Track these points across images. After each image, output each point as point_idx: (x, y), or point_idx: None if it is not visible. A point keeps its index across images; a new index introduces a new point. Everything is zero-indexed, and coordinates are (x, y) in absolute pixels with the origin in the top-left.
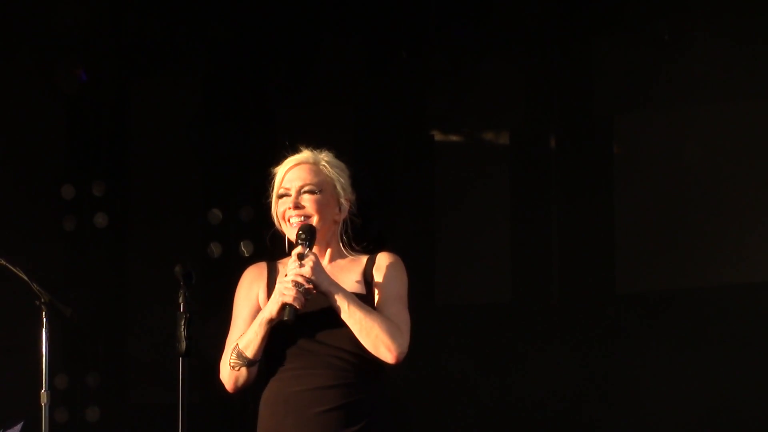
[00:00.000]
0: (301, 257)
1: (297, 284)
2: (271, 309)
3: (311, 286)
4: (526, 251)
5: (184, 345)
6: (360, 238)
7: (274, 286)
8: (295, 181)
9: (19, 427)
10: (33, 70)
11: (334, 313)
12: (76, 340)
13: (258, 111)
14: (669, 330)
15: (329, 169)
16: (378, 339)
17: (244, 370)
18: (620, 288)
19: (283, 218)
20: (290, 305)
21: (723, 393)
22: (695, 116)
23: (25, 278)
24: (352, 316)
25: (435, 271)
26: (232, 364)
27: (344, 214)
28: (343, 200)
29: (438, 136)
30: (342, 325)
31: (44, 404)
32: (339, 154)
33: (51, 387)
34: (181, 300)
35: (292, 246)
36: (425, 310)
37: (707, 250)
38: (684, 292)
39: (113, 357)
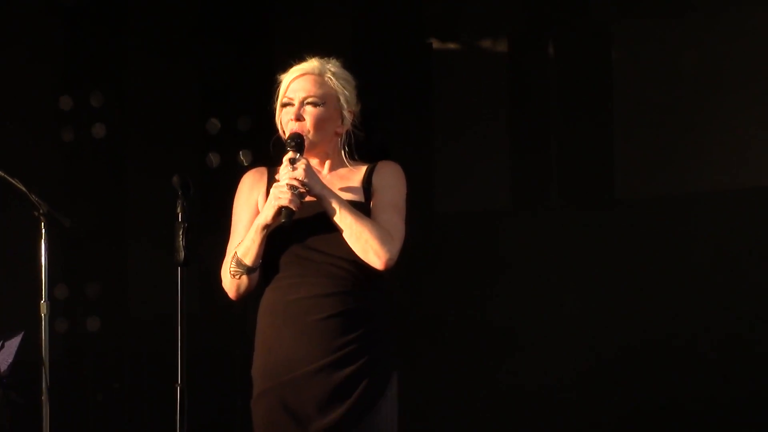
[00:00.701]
0: (292, 161)
1: (291, 187)
2: (266, 214)
3: (304, 189)
4: (524, 158)
5: (182, 254)
6: (363, 148)
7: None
8: (299, 92)
9: (18, 338)
10: None
11: (329, 220)
12: (75, 251)
13: (256, 21)
14: (667, 234)
15: (334, 81)
16: (367, 244)
17: (244, 277)
18: (619, 193)
19: (285, 127)
20: (286, 207)
21: (721, 296)
22: (694, 23)
23: (24, 189)
24: (342, 220)
25: (434, 179)
26: (232, 272)
27: (347, 126)
28: (346, 113)
29: (436, 45)
30: (338, 232)
31: (44, 315)
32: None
33: (51, 297)
34: (179, 210)
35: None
36: (424, 218)
37: (705, 156)
38: (682, 196)
39: (113, 267)
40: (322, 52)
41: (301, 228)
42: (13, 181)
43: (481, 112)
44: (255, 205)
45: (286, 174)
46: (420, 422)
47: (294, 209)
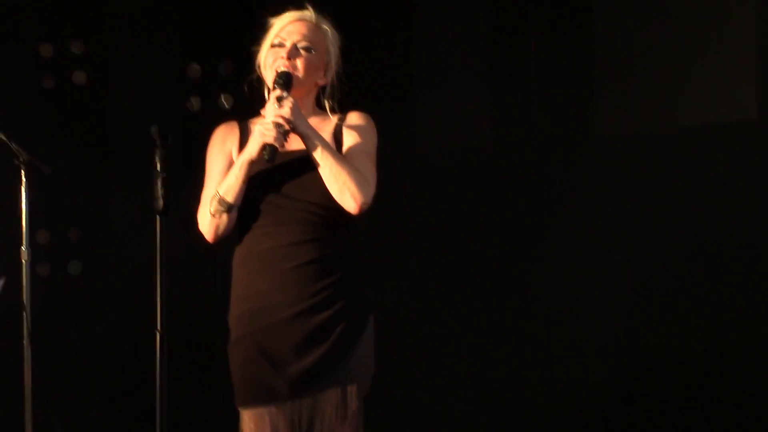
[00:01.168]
0: (279, 99)
1: (277, 125)
2: (251, 150)
3: (290, 127)
4: (505, 95)
5: (161, 203)
6: (337, 103)
7: (244, 139)
8: (293, 35)
9: (0, 282)
10: None
11: (304, 167)
12: (57, 197)
13: None
14: (649, 170)
15: (328, 33)
16: (345, 185)
17: (225, 216)
18: (599, 129)
19: (271, 67)
20: (270, 145)
21: (703, 229)
22: None
23: (3, 137)
24: (324, 160)
25: (415, 119)
26: (212, 212)
27: (328, 80)
28: (332, 65)
29: None
30: (312, 179)
31: (24, 261)
32: (317, 6)
33: (33, 243)
34: (157, 159)
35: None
36: (405, 157)
37: (685, 90)
38: (665, 133)
39: (95, 213)
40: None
41: (276, 176)
42: None
43: (462, 50)
44: (229, 156)
45: (272, 111)
46: (396, 364)
47: (278, 147)
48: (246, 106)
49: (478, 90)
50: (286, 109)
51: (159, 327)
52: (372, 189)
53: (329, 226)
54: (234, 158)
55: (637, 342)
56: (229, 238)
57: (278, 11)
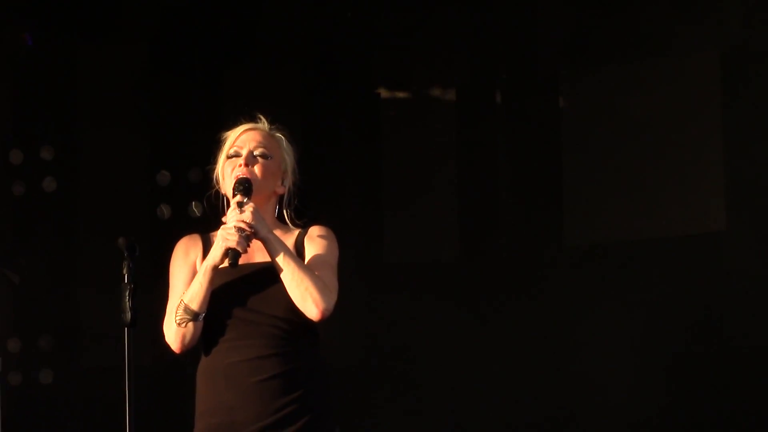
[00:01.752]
0: (240, 205)
1: (239, 229)
2: (214, 255)
3: (251, 231)
4: (473, 207)
5: (129, 315)
6: (295, 217)
7: (206, 251)
8: (249, 143)
9: None
10: None
11: (267, 279)
12: (27, 304)
13: (205, 73)
14: (617, 280)
15: (282, 142)
16: (307, 291)
17: (191, 325)
18: (568, 240)
19: (230, 176)
20: (233, 249)
21: (671, 340)
22: (639, 70)
23: None
24: (286, 265)
25: (383, 229)
26: (178, 321)
27: (284, 190)
28: (288, 174)
29: (384, 94)
30: (275, 291)
31: None
32: (288, 113)
33: (4, 351)
34: (124, 271)
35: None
36: (373, 268)
37: (655, 203)
38: (632, 243)
39: (65, 320)
40: (271, 103)
41: (240, 288)
42: None
43: (430, 161)
44: (193, 267)
45: (233, 216)
46: None
47: (241, 251)
48: (216, 215)
49: (447, 200)
50: (247, 214)
51: None
52: (334, 297)
53: (293, 340)
54: (197, 269)
55: None
56: (195, 350)
57: (241, 120)
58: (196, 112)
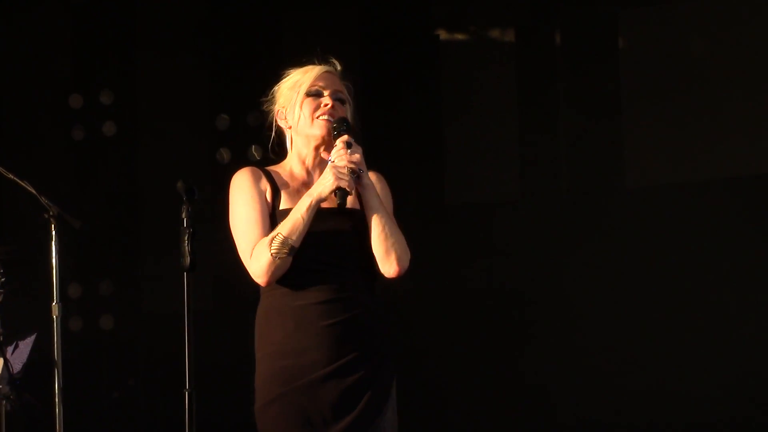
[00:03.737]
0: (349, 145)
1: (351, 171)
2: (321, 191)
3: (361, 173)
4: (534, 148)
5: (188, 260)
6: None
7: (278, 190)
8: (331, 85)
9: (32, 338)
10: None
11: (339, 225)
12: (88, 250)
13: (264, 16)
14: (677, 222)
15: (350, 88)
16: (392, 247)
17: (287, 258)
18: (629, 182)
19: (311, 115)
20: (342, 189)
21: (731, 284)
22: (699, 10)
23: (34, 192)
24: (379, 218)
25: (444, 170)
26: (274, 253)
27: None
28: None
29: (443, 36)
30: (347, 238)
31: (55, 317)
32: (346, 56)
33: (64, 297)
34: (184, 215)
35: (278, 147)
36: (434, 209)
37: (717, 143)
38: (693, 184)
39: (125, 265)
40: (330, 46)
41: (312, 235)
42: (23, 184)
43: (490, 103)
44: (264, 198)
45: (343, 155)
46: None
47: (350, 192)
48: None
49: (507, 142)
50: (357, 156)
51: (187, 386)
52: (409, 255)
53: (359, 285)
54: (267, 201)
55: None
56: (254, 292)
57: (303, 63)
58: (255, 55)
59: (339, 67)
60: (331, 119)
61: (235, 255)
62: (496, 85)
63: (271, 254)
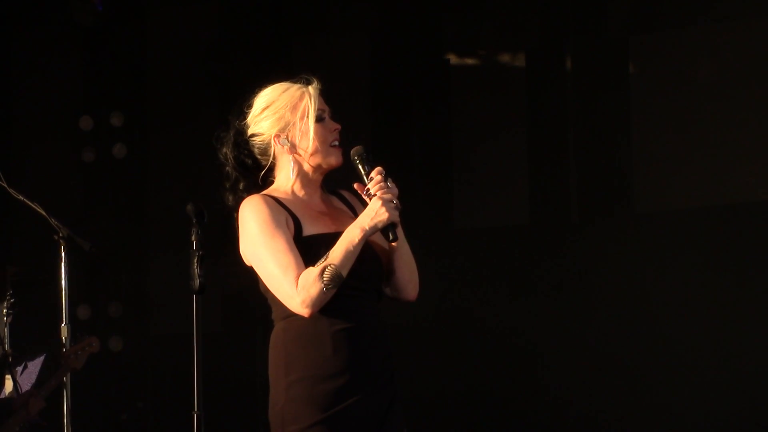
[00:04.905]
0: (386, 176)
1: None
2: (374, 225)
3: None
4: (543, 173)
5: (197, 282)
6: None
7: (295, 216)
8: (325, 105)
9: (41, 359)
10: (49, 2)
11: (366, 250)
12: (97, 271)
13: (274, 38)
14: (686, 248)
15: None
16: (413, 275)
17: (333, 291)
18: (639, 207)
19: (326, 142)
20: (394, 224)
21: (741, 309)
22: (709, 34)
23: (44, 213)
24: (405, 246)
25: (453, 195)
26: (326, 285)
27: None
28: None
29: (453, 60)
30: (373, 262)
31: (64, 338)
32: (357, 79)
33: (74, 318)
34: (193, 238)
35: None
36: (444, 234)
37: (724, 169)
38: (701, 210)
39: (134, 287)
40: (341, 69)
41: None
42: (33, 205)
43: (500, 127)
44: (286, 227)
45: (384, 188)
46: None
47: (398, 226)
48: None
49: (517, 166)
50: (395, 189)
51: (196, 408)
52: None
53: (377, 308)
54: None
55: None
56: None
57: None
58: (266, 78)
59: (318, 85)
60: (360, 154)
61: (245, 278)
62: (506, 110)
63: (324, 285)
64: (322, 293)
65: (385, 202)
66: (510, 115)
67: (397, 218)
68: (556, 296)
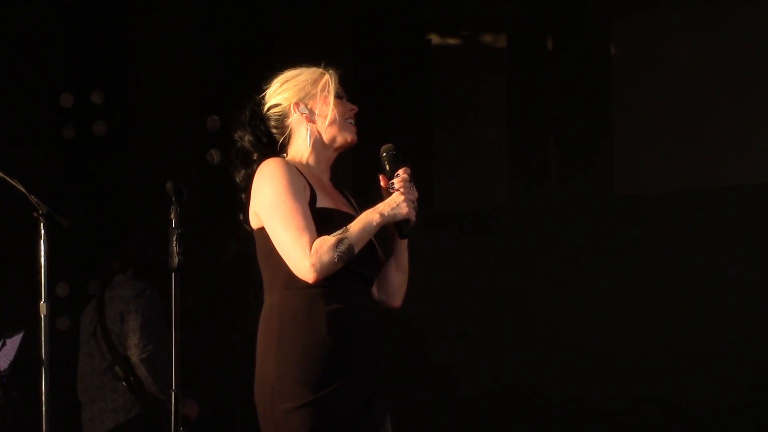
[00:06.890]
0: (410, 177)
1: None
2: (392, 216)
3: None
4: (524, 155)
5: (176, 260)
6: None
7: (310, 186)
8: (344, 93)
9: (19, 336)
10: None
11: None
12: (77, 248)
13: (256, 18)
14: (666, 231)
15: None
16: (404, 283)
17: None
18: (619, 190)
19: (343, 116)
20: (409, 221)
21: (719, 291)
22: (691, 18)
23: (23, 190)
24: (406, 253)
25: (433, 177)
26: (339, 256)
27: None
28: None
29: (435, 40)
30: (368, 253)
31: (43, 315)
32: (338, 60)
33: (52, 296)
34: (172, 216)
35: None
36: (424, 216)
37: (704, 152)
38: (682, 193)
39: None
40: (322, 50)
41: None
42: (13, 182)
43: (481, 108)
44: (305, 192)
45: (408, 188)
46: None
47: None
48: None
49: (498, 148)
50: (415, 191)
51: (173, 386)
52: None
53: (371, 294)
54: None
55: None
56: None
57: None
58: (247, 57)
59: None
60: (390, 150)
61: (225, 257)
62: (488, 91)
63: (337, 256)
64: (332, 262)
65: (409, 201)
66: (491, 96)
67: (413, 217)
68: (535, 279)
